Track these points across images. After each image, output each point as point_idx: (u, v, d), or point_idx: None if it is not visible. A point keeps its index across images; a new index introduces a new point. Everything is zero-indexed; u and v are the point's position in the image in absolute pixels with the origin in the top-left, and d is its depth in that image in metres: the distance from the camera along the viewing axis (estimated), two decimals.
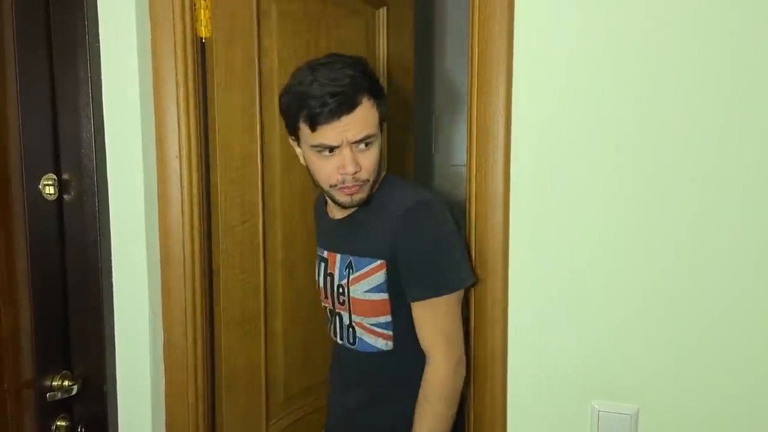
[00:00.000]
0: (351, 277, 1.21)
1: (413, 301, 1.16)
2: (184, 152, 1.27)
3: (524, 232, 1.12)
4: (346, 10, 1.64)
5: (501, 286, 1.15)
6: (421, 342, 1.17)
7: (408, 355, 1.19)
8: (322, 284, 1.31)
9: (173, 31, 1.24)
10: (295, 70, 1.15)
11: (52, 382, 1.22)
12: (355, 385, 1.29)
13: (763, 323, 0.99)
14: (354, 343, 1.25)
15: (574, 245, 1.08)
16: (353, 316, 1.23)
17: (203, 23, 1.28)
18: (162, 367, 1.31)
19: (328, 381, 1.43)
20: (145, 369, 1.29)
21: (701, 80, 0.98)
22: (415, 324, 1.17)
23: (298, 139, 1.17)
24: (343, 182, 1.13)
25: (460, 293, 1.16)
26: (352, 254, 1.21)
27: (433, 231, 1.14)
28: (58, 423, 1.23)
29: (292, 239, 1.54)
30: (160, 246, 1.29)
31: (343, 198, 1.16)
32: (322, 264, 1.30)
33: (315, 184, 1.20)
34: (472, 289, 1.19)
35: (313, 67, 1.11)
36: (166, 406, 1.32)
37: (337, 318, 1.27)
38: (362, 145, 1.12)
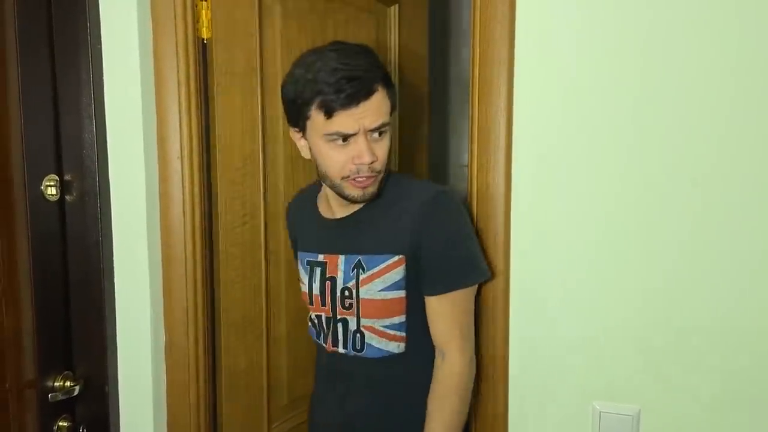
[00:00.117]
0: (361, 277, 1.15)
1: (435, 294, 1.12)
2: (186, 152, 1.27)
3: (525, 232, 1.12)
4: (354, 8, 1.62)
5: (502, 285, 1.15)
6: (434, 338, 1.13)
7: (419, 358, 1.15)
8: (317, 291, 1.22)
9: (175, 32, 1.24)
10: (298, 59, 1.10)
11: (53, 382, 1.22)
12: (360, 392, 1.21)
13: (764, 323, 0.99)
14: (361, 350, 1.18)
15: (575, 245, 1.08)
16: (362, 320, 1.17)
17: (204, 24, 1.29)
18: (163, 367, 1.31)
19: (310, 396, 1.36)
20: (147, 369, 1.29)
21: (702, 81, 0.98)
22: (431, 318, 1.13)
23: (303, 131, 1.12)
24: (357, 173, 1.08)
25: (475, 288, 1.14)
26: (361, 253, 1.15)
27: (456, 221, 1.12)
28: (60, 423, 1.24)
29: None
30: (162, 246, 1.29)
31: (354, 192, 1.11)
32: (317, 269, 1.22)
33: (322, 177, 1.15)
34: None
35: (321, 53, 1.06)
36: (167, 407, 1.32)
37: (341, 325, 1.20)
38: (376, 134, 1.08)
